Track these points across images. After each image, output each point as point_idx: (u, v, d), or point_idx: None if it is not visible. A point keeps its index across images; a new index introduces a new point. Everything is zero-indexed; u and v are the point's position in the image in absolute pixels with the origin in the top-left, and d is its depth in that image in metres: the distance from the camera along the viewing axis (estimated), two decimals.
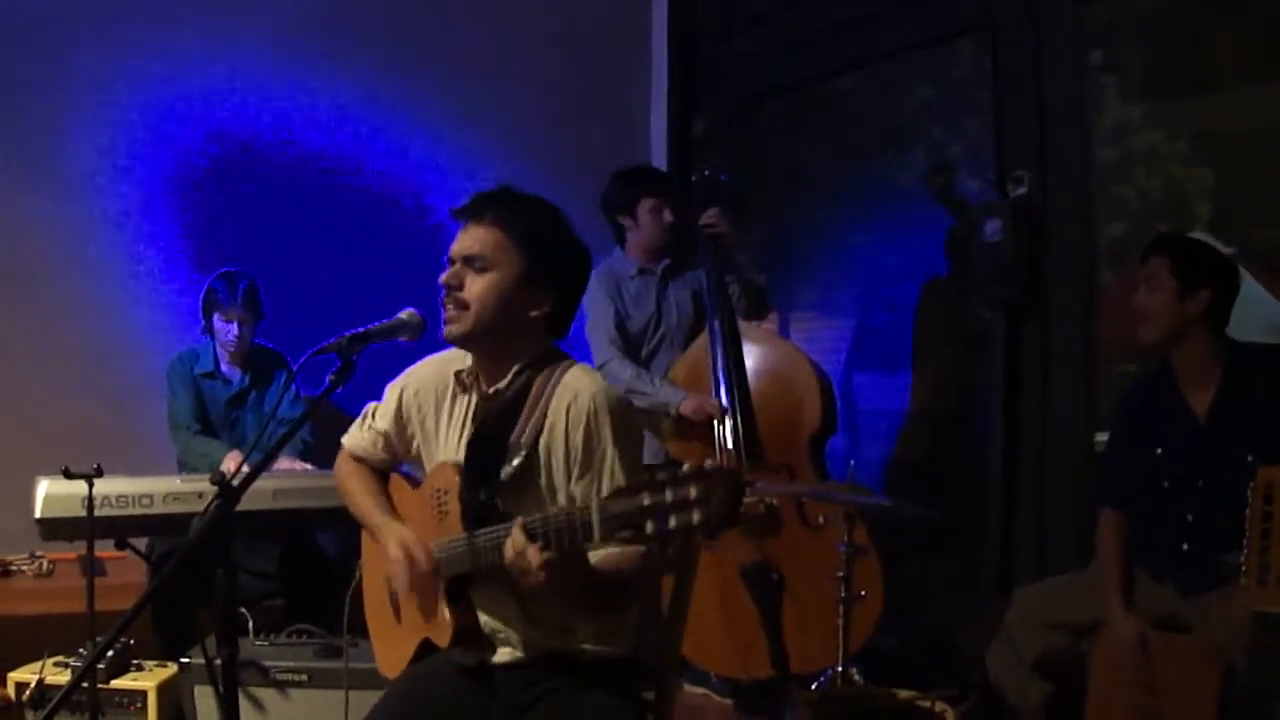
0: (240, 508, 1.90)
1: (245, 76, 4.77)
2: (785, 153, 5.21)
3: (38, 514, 3.43)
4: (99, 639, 3.08)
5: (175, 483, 3.62)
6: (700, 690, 4.10)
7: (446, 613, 2.19)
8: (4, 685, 3.29)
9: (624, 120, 5.50)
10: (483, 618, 2.22)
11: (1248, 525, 2.42)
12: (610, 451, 2.15)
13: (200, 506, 3.32)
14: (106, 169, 4.61)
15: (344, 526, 2.51)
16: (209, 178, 4.76)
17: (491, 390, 2.23)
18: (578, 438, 2.15)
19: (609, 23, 5.48)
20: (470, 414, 2.28)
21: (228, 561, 1.91)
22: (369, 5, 4.99)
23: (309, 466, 4.01)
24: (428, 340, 2.21)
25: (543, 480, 2.18)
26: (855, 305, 4.94)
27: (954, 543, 4.27)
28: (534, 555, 1.93)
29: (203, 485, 3.53)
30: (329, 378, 2.03)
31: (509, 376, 2.22)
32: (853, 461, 4.03)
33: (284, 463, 3.96)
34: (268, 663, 3.16)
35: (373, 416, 2.46)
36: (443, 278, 2.18)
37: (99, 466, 3.20)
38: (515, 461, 2.16)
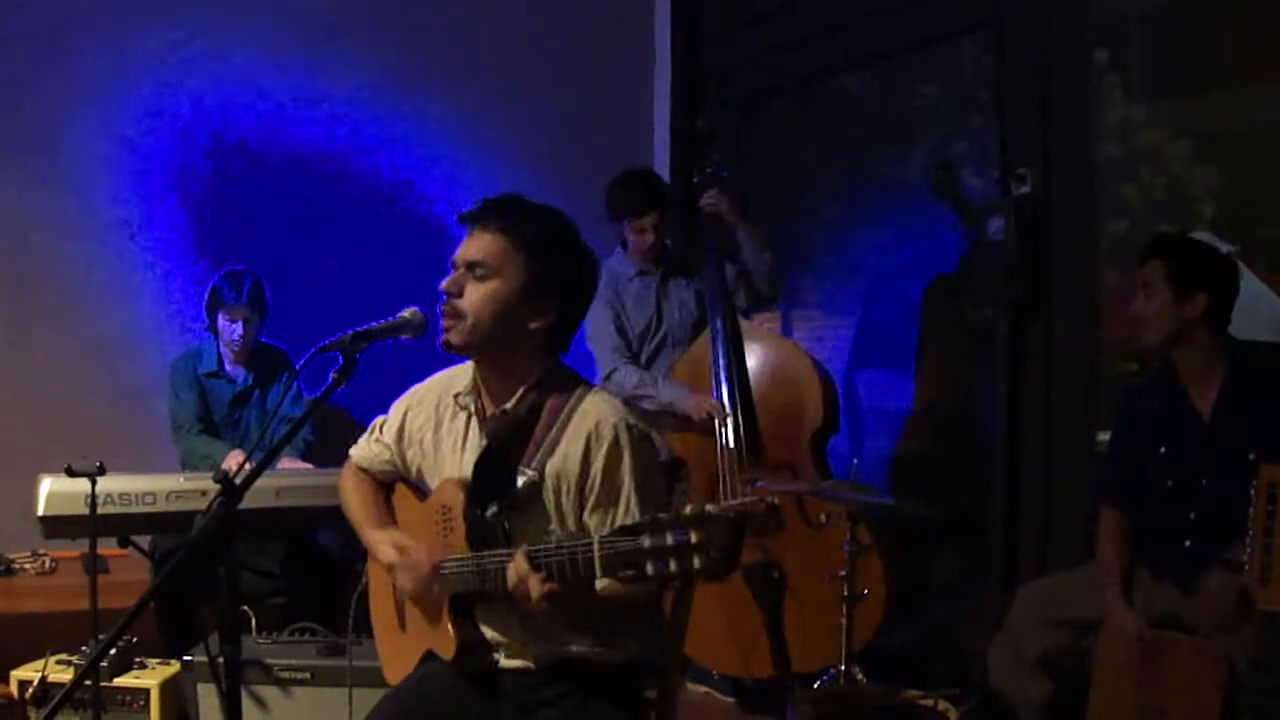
0: (243, 506, 1.89)
1: (249, 76, 4.77)
2: (788, 151, 5.20)
3: (40, 512, 3.44)
4: (101, 637, 3.08)
5: (178, 480, 3.62)
6: (702, 689, 4.10)
7: (450, 628, 2.19)
8: (7, 683, 3.30)
9: (627, 119, 5.50)
10: (486, 631, 2.23)
11: (1251, 523, 2.42)
12: (628, 485, 2.14)
13: (203, 504, 3.32)
14: (110, 168, 4.61)
15: (347, 526, 2.50)
16: (212, 176, 4.77)
17: (499, 409, 2.21)
18: (597, 466, 2.13)
19: (612, 21, 5.47)
20: (471, 433, 2.26)
21: (230, 560, 1.91)
22: (373, 4, 4.99)
23: (308, 467, 4.01)
24: (431, 339, 2.20)
25: (550, 504, 2.15)
26: (858, 303, 4.93)
27: (956, 541, 4.27)
28: (535, 584, 1.94)
29: (205, 483, 3.53)
30: (331, 376, 2.02)
31: (518, 395, 2.19)
32: (855, 460, 4.03)
33: (284, 463, 3.96)
34: (270, 661, 3.16)
35: (379, 431, 2.45)
36: (443, 284, 2.16)
37: (102, 464, 3.20)
38: (523, 483, 2.14)
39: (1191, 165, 3.66)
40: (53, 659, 3.29)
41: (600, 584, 2.00)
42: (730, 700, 4.04)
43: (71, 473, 3.21)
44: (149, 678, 3.30)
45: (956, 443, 4.47)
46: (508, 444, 2.19)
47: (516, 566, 1.98)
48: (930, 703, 2.88)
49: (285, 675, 3.15)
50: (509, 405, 2.19)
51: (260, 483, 1.98)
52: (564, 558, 1.91)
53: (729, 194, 4.12)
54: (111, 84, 4.57)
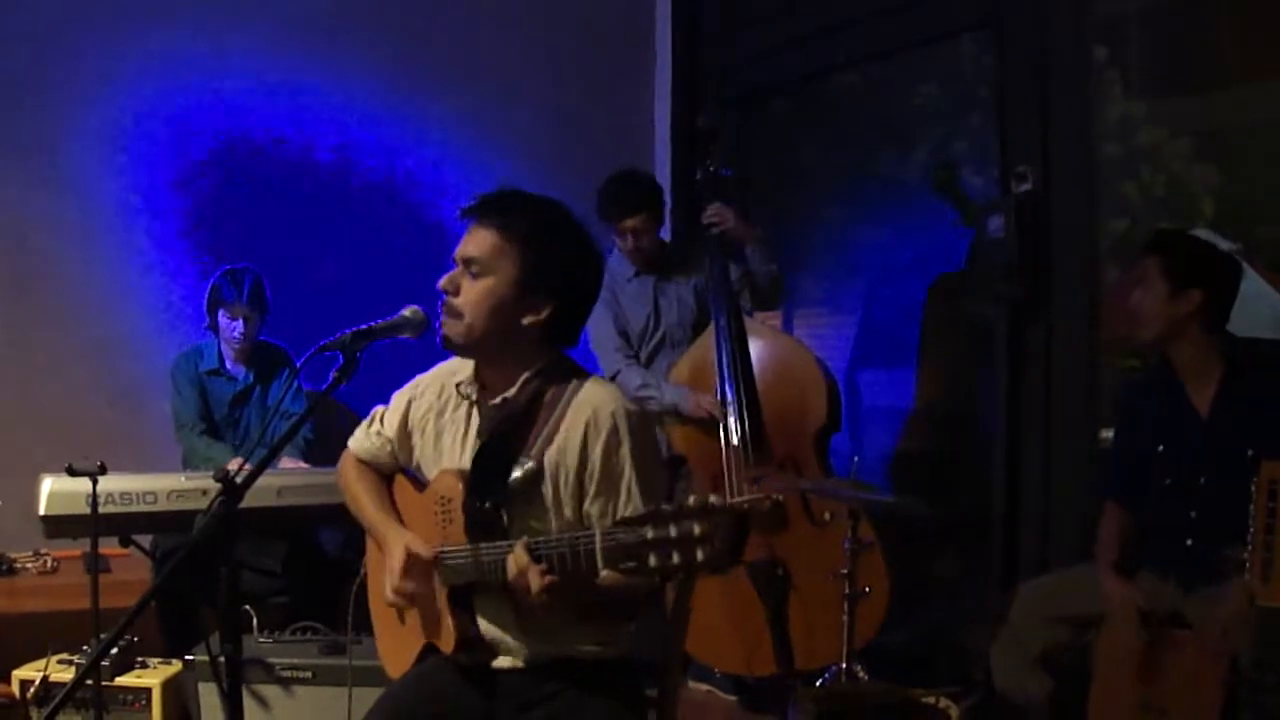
0: (244, 504, 1.89)
1: (249, 74, 4.77)
2: (789, 150, 5.21)
3: (42, 511, 3.44)
4: (103, 636, 3.08)
5: (179, 480, 3.63)
6: (704, 687, 4.11)
7: (449, 620, 2.19)
8: (8, 683, 3.29)
9: (628, 118, 5.50)
10: (484, 626, 2.22)
11: (1252, 521, 2.42)
12: (629, 471, 2.13)
13: (204, 504, 3.32)
14: (110, 166, 4.61)
15: (348, 524, 2.50)
16: (213, 175, 4.77)
17: (499, 399, 2.20)
18: (596, 455, 2.12)
19: (612, 21, 5.47)
20: (472, 423, 2.26)
21: (231, 559, 1.91)
22: (373, 3, 4.99)
23: (305, 467, 4.02)
24: (431, 337, 2.19)
25: (549, 493, 2.15)
26: (859, 302, 4.94)
27: (958, 539, 4.27)
28: (535, 576, 1.94)
29: (207, 482, 3.54)
30: (332, 374, 2.03)
31: (518, 385, 2.19)
32: (856, 458, 4.03)
33: (284, 462, 3.96)
34: (272, 660, 3.16)
35: (380, 421, 2.44)
36: (440, 282, 2.16)
37: (103, 464, 3.21)
38: (522, 472, 2.13)
39: (1192, 163, 3.66)
40: (54, 658, 3.29)
41: (603, 575, 1.99)
42: (732, 698, 4.04)
43: (73, 472, 3.22)
44: (150, 677, 3.30)
45: (957, 441, 4.48)
46: (507, 435, 2.18)
47: (516, 558, 1.97)
48: (932, 700, 2.88)
49: (287, 674, 3.16)
50: (508, 395, 2.19)
51: (261, 482, 1.98)
52: (565, 549, 1.91)
53: (731, 198, 4.11)
54: (112, 84, 4.57)
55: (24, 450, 4.01)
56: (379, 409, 2.47)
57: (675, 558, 1.72)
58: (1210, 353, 2.91)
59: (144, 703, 3.26)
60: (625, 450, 2.13)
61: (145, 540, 3.70)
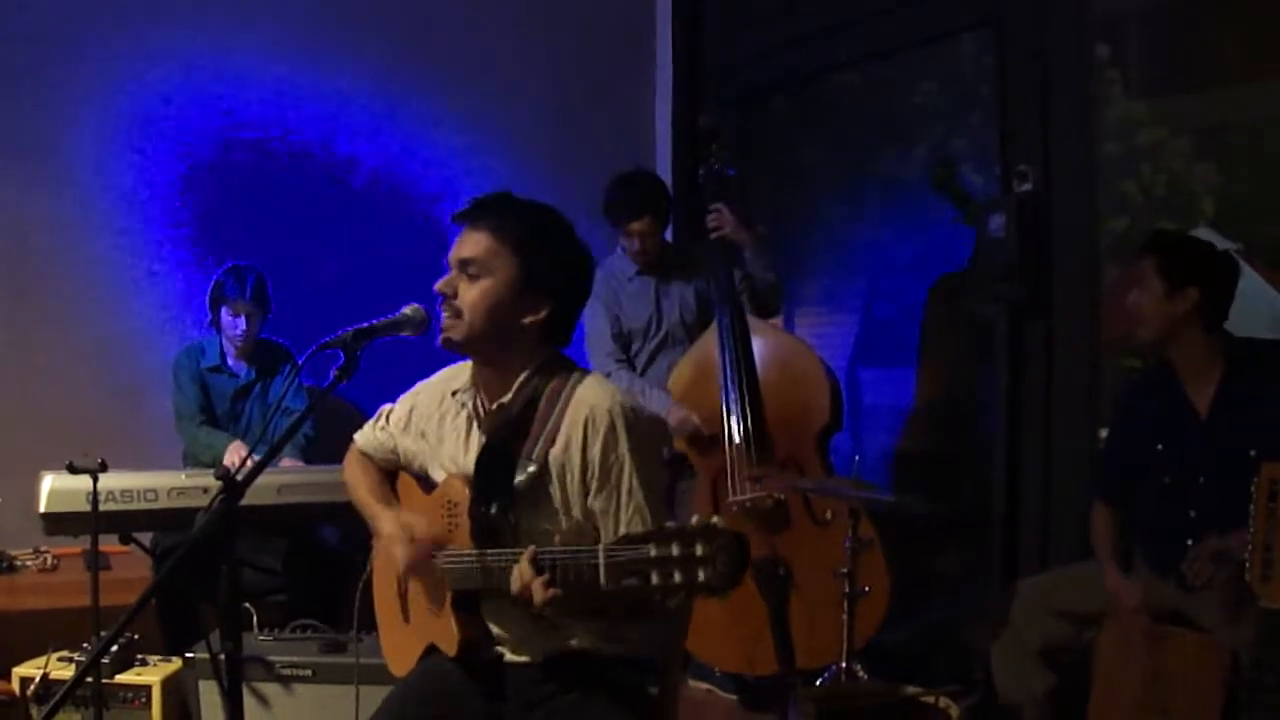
0: (244, 502, 1.89)
1: (249, 72, 4.77)
2: (789, 148, 5.21)
3: (42, 509, 3.45)
4: (103, 633, 3.09)
5: (179, 477, 3.63)
6: (704, 686, 4.10)
7: (453, 624, 2.19)
8: (8, 680, 3.29)
9: (629, 116, 5.50)
10: (491, 627, 2.23)
11: (1252, 521, 2.41)
12: (628, 466, 2.14)
13: (204, 501, 3.30)
14: (110, 166, 4.61)
15: (349, 522, 2.51)
16: (213, 173, 4.77)
17: (496, 404, 2.21)
18: (595, 452, 2.13)
19: (613, 20, 5.47)
20: (473, 428, 2.27)
21: (232, 556, 1.91)
22: (374, 3, 4.99)
23: (303, 466, 4.02)
24: (432, 336, 2.20)
25: (555, 493, 2.16)
26: (859, 300, 4.94)
27: (959, 538, 4.28)
28: (539, 590, 1.94)
29: (207, 480, 3.54)
30: (333, 372, 2.03)
31: (514, 389, 2.20)
32: (857, 457, 4.03)
33: (284, 462, 3.97)
34: (272, 658, 3.16)
35: (386, 420, 2.47)
36: (438, 285, 2.17)
37: (103, 461, 3.21)
38: (526, 475, 2.14)
39: (1192, 162, 3.67)
40: (54, 656, 3.28)
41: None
42: (732, 698, 4.04)
43: (73, 469, 3.22)
44: (151, 674, 3.30)
45: (957, 440, 4.48)
46: (507, 438, 2.19)
47: (521, 572, 1.97)
48: (932, 699, 2.88)
49: (287, 672, 3.15)
50: (505, 399, 2.20)
51: (261, 479, 1.98)
52: (568, 562, 1.91)
53: (734, 198, 4.10)
54: (112, 83, 4.57)
55: (24, 447, 4.01)
56: (386, 407, 2.48)
57: (677, 576, 1.74)
58: (1209, 352, 2.90)
59: (144, 700, 3.25)
60: (624, 447, 2.13)
61: (145, 538, 3.71)
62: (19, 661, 3.31)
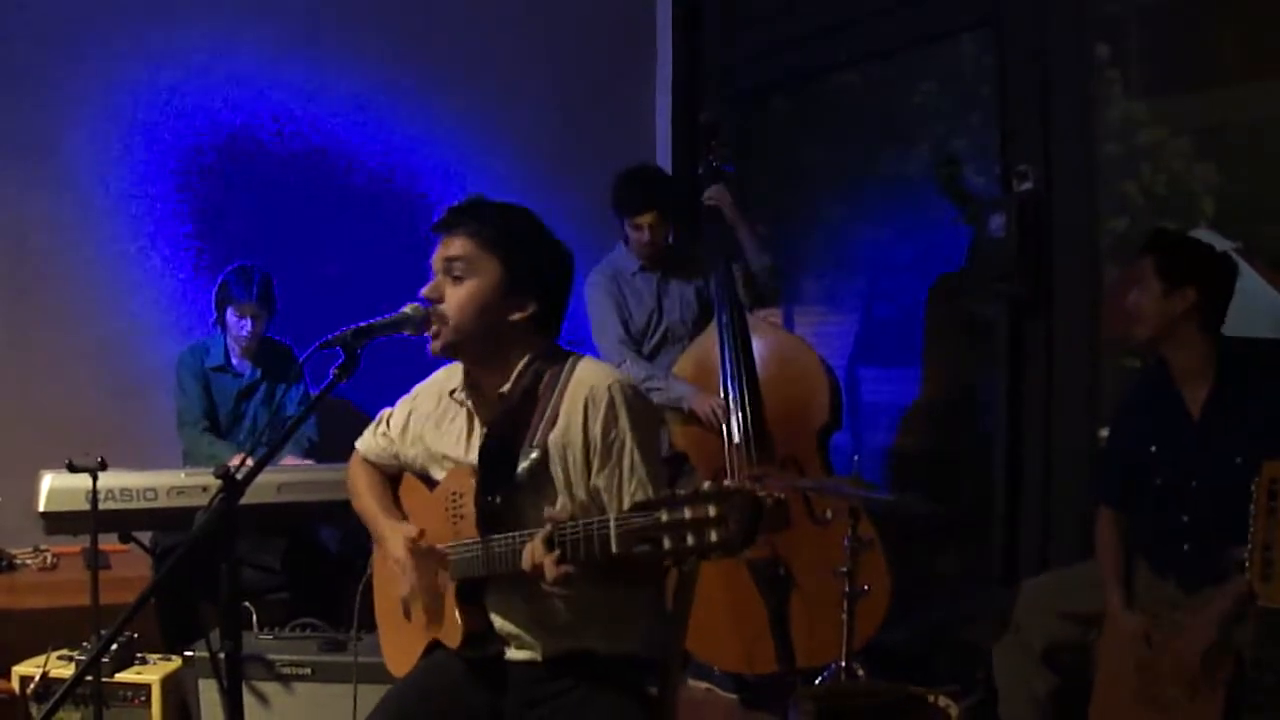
0: (244, 501, 1.89)
1: (249, 71, 4.77)
2: (789, 148, 5.20)
3: (41, 508, 3.44)
4: (103, 632, 3.09)
5: (179, 476, 3.63)
6: (704, 685, 4.10)
7: (457, 615, 2.20)
8: (8, 679, 3.29)
9: (629, 114, 5.50)
10: (495, 620, 2.23)
11: (1252, 521, 2.41)
12: (629, 441, 2.16)
13: (204, 500, 3.30)
14: (110, 164, 4.61)
15: (348, 521, 2.51)
16: (213, 172, 4.77)
17: (497, 395, 2.23)
18: (596, 429, 2.15)
19: (614, 18, 5.47)
20: (474, 423, 2.29)
21: (231, 555, 1.91)
22: (375, 2, 4.99)
23: (310, 463, 4.02)
24: (427, 352, 2.22)
25: (559, 476, 2.18)
26: (859, 299, 4.94)
27: (959, 537, 4.27)
28: (550, 566, 1.95)
29: (207, 479, 3.53)
30: (333, 371, 2.03)
31: (512, 379, 2.22)
32: (857, 456, 4.03)
33: (287, 460, 3.97)
34: (272, 656, 3.16)
35: (386, 424, 2.49)
36: (423, 291, 2.19)
37: (103, 460, 3.21)
38: (529, 460, 2.16)
39: (1192, 162, 3.66)
40: (54, 654, 3.28)
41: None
42: (732, 697, 4.04)
43: (73, 468, 3.22)
44: (150, 673, 3.30)
45: (958, 438, 4.48)
46: (510, 427, 2.21)
47: (534, 550, 1.98)
48: (932, 699, 2.88)
49: (287, 671, 3.15)
50: (505, 389, 2.22)
51: (261, 478, 1.98)
52: (579, 536, 1.92)
53: (732, 192, 4.11)
54: (112, 83, 4.57)
55: (24, 446, 4.00)
56: (385, 412, 2.51)
57: (690, 539, 1.74)
58: (1205, 353, 2.90)
59: (143, 699, 3.25)
60: (624, 422, 2.16)
61: (145, 537, 3.70)
62: (19, 660, 3.31)
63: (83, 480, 3.18)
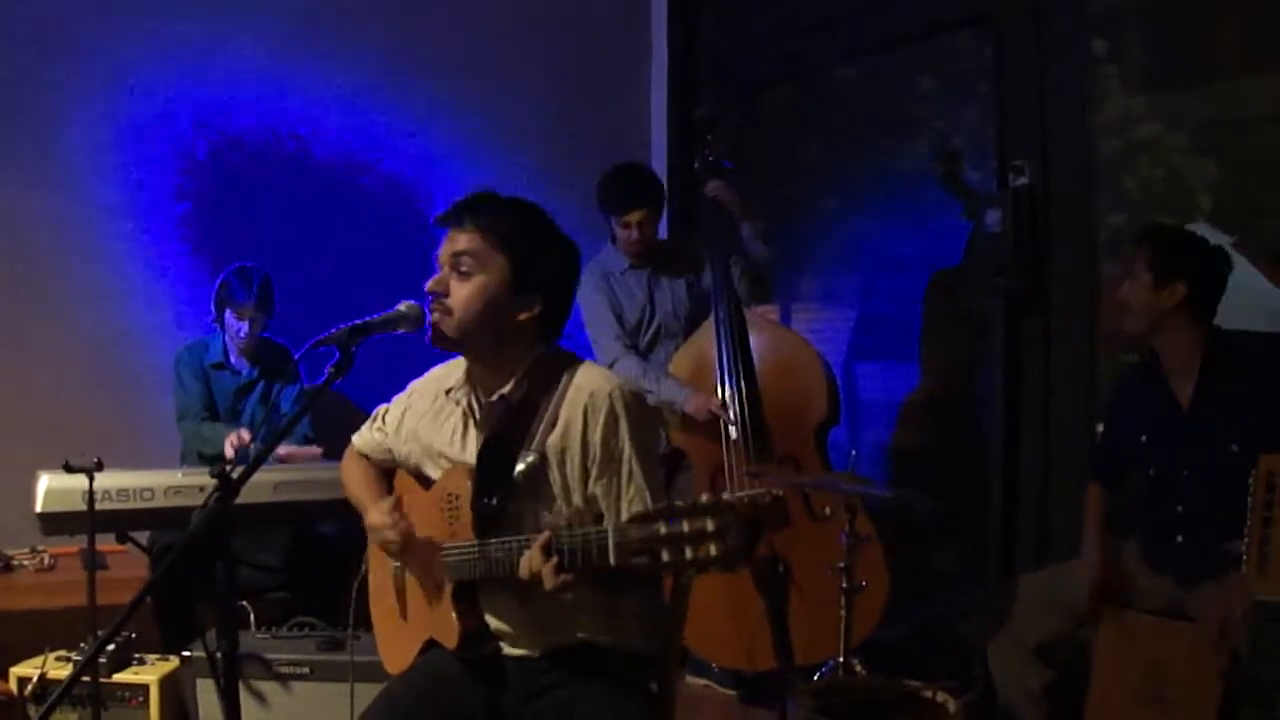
0: (241, 500, 1.89)
1: (248, 70, 4.77)
2: (786, 142, 5.20)
3: (38, 508, 3.44)
4: (100, 633, 3.09)
5: (176, 476, 3.63)
6: (702, 681, 4.11)
7: (454, 616, 2.19)
8: (5, 680, 3.29)
9: (625, 109, 5.49)
10: (491, 621, 2.23)
11: (1249, 514, 2.42)
12: (628, 450, 2.15)
13: (201, 500, 3.31)
14: (108, 164, 4.61)
15: (347, 519, 2.50)
16: (209, 171, 4.76)
17: (496, 396, 2.22)
18: (596, 437, 2.14)
19: (610, 13, 5.47)
20: (468, 424, 2.27)
21: (228, 554, 1.91)
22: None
23: (316, 450, 4.01)
24: (427, 340, 2.20)
25: (556, 480, 2.17)
26: (856, 295, 4.93)
27: (956, 533, 4.27)
28: (549, 575, 1.94)
29: (203, 479, 3.53)
30: (328, 369, 2.02)
31: (513, 381, 2.20)
32: (854, 451, 4.03)
33: (289, 449, 3.98)
34: (269, 656, 3.16)
35: (381, 421, 2.48)
36: (429, 284, 2.17)
37: (99, 460, 3.20)
38: (526, 464, 2.15)
39: (1190, 157, 3.66)
40: (52, 655, 3.29)
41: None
42: (731, 693, 4.04)
43: (69, 469, 3.21)
44: (148, 673, 3.30)
45: (955, 434, 4.48)
46: (509, 430, 2.20)
47: (531, 559, 1.97)
48: (930, 695, 2.88)
49: (284, 670, 3.15)
50: (505, 391, 2.20)
51: (258, 477, 1.97)
52: (577, 544, 1.91)
53: (733, 186, 4.11)
54: (111, 82, 4.57)
55: (21, 447, 4.01)
56: (381, 408, 2.50)
57: (688, 553, 1.74)
58: (1195, 346, 2.91)
59: (141, 699, 3.26)
60: (624, 429, 2.15)
61: (142, 537, 3.70)
62: (16, 661, 3.31)
63: (79, 480, 3.18)
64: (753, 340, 3.89)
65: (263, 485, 3.52)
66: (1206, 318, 2.93)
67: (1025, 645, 3.06)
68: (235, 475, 1.89)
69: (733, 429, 3.78)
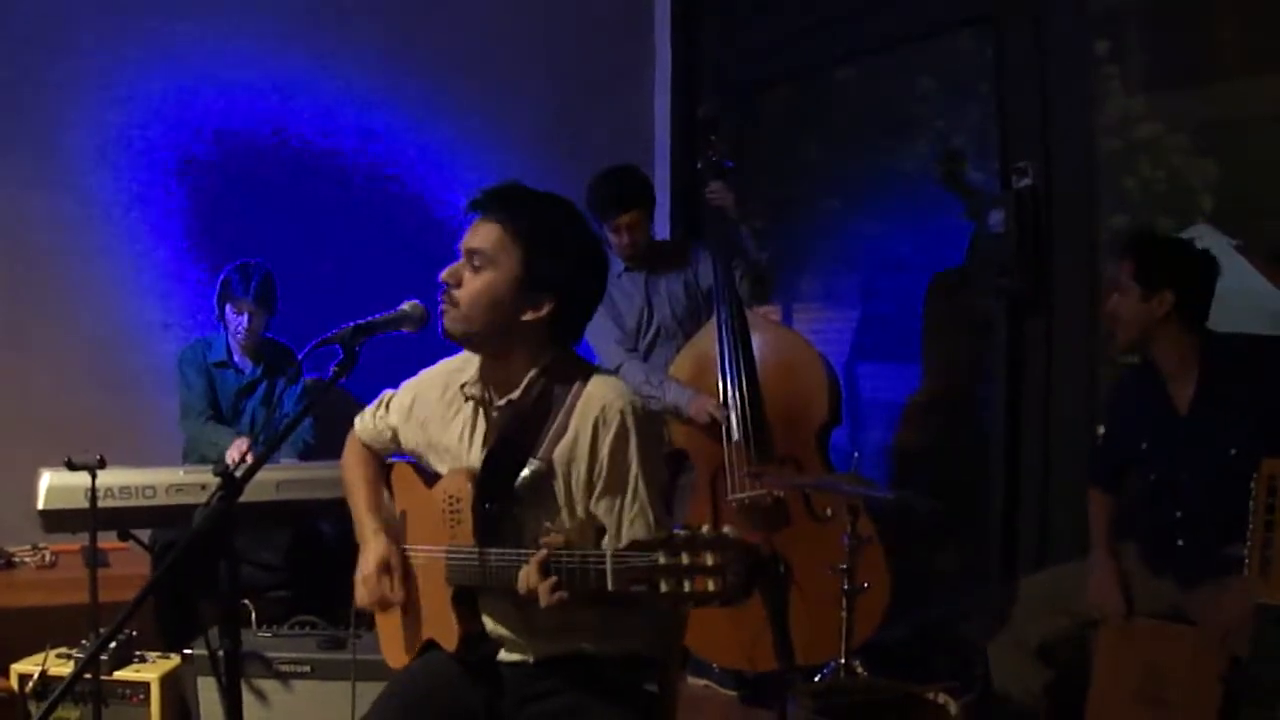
0: (243, 499, 1.89)
1: (248, 70, 4.78)
2: (787, 142, 5.20)
3: (40, 505, 3.45)
4: (102, 630, 3.09)
5: (178, 474, 3.63)
6: (703, 682, 4.11)
7: (454, 619, 2.19)
8: (7, 677, 3.29)
9: (626, 110, 5.50)
10: (488, 624, 2.23)
11: (1251, 518, 2.42)
12: (635, 469, 2.12)
13: (203, 498, 3.31)
14: (109, 162, 4.62)
15: (348, 518, 2.50)
16: (212, 170, 4.77)
17: (505, 400, 2.19)
18: (605, 452, 2.11)
19: (612, 13, 5.47)
20: (479, 423, 2.25)
21: (230, 553, 1.91)
22: None
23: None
24: (431, 332, 2.18)
25: (560, 491, 2.15)
26: (857, 295, 4.93)
27: (957, 534, 4.27)
28: (545, 592, 1.94)
29: (206, 477, 3.56)
30: (332, 369, 2.02)
31: (523, 386, 2.17)
32: (856, 453, 4.02)
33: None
34: (271, 654, 3.16)
35: (386, 408, 2.45)
36: (443, 274, 2.14)
37: (102, 458, 3.20)
38: (531, 472, 2.13)
39: (1191, 158, 3.66)
40: (53, 652, 3.28)
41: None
42: (732, 694, 4.04)
43: (72, 466, 3.22)
44: (149, 671, 3.29)
45: (957, 435, 4.47)
46: (516, 436, 2.18)
47: (528, 576, 1.97)
48: (931, 696, 2.88)
49: (285, 669, 3.16)
50: (514, 396, 2.18)
51: (260, 475, 1.97)
52: (575, 566, 1.91)
53: (732, 188, 4.10)
54: (111, 81, 4.58)
55: (23, 444, 4.01)
56: (387, 393, 2.47)
57: (686, 586, 1.73)
58: (1189, 351, 2.92)
59: (142, 697, 3.25)
60: (633, 447, 2.12)
61: (144, 534, 3.70)
62: (17, 658, 3.30)
63: (81, 478, 3.18)
64: (754, 341, 3.88)
65: (265, 484, 3.52)
66: (1198, 322, 2.93)
67: (1026, 646, 3.07)
68: (239, 474, 1.89)
69: (735, 430, 3.78)
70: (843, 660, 3.31)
